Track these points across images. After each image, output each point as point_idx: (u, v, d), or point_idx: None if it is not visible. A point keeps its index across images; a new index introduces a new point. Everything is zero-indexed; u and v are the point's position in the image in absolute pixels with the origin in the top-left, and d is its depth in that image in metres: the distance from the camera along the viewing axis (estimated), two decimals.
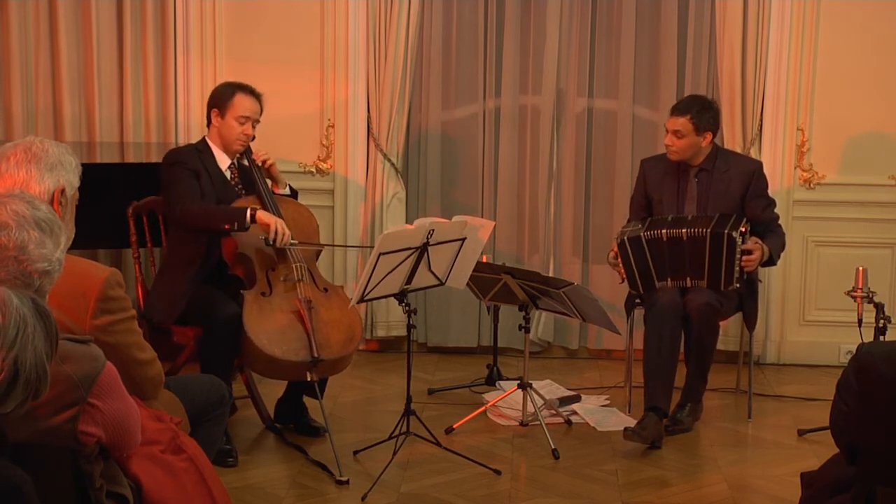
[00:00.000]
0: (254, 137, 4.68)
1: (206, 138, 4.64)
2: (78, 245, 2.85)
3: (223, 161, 4.63)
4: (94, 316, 2.78)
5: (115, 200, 4.68)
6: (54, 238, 2.42)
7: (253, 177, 4.61)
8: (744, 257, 4.69)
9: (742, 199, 4.87)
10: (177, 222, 4.52)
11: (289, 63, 5.79)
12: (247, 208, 4.39)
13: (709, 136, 4.86)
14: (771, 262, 4.91)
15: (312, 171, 5.87)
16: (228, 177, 4.64)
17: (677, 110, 4.85)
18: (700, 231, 4.70)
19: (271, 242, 4.37)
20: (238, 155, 4.65)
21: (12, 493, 2.14)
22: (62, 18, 5.71)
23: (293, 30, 5.77)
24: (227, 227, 4.38)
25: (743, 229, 4.69)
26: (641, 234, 4.78)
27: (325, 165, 5.87)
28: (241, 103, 4.56)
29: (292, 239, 4.43)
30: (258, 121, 4.62)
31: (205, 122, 4.67)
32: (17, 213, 2.38)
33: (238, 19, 5.78)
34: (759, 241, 4.78)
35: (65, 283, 2.51)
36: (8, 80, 5.76)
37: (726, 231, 4.65)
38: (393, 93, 5.70)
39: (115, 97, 5.80)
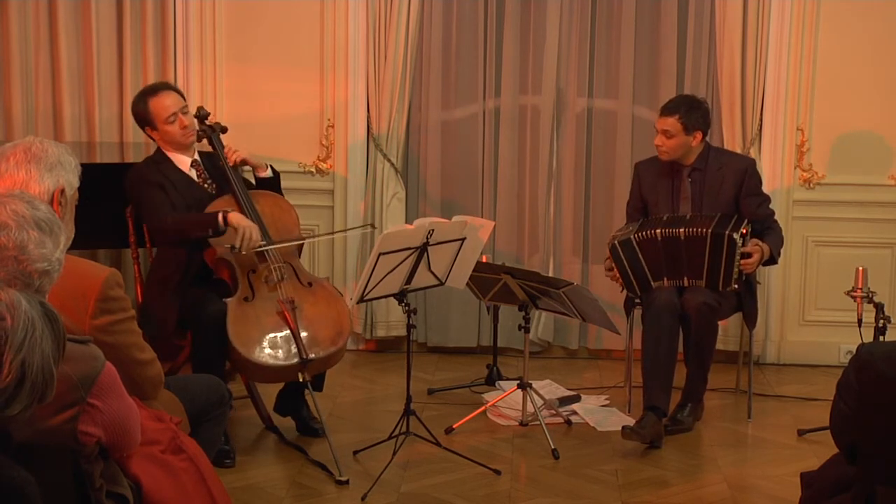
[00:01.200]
0: (225, 129, 4.65)
1: (160, 148, 4.61)
2: (78, 245, 2.85)
3: (183, 163, 4.59)
4: (93, 316, 2.78)
5: (115, 200, 4.67)
6: (54, 238, 2.41)
7: (226, 173, 4.57)
8: (742, 260, 4.69)
9: (736, 198, 4.87)
10: (158, 241, 4.52)
11: (289, 63, 5.79)
12: (218, 213, 4.31)
13: (699, 135, 4.86)
14: (772, 261, 4.91)
15: (312, 171, 5.87)
16: (195, 176, 4.60)
17: (666, 110, 4.86)
18: (700, 231, 4.70)
19: (237, 248, 4.29)
20: (209, 145, 4.62)
21: (16, 493, 2.13)
22: (62, 18, 5.71)
23: (293, 30, 5.77)
24: (201, 235, 4.34)
25: (744, 231, 4.69)
26: (632, 236, 4.78)
27: (324, 165, 5.87)
28: (160, 105, 4.50)
29: (261, 241, 4.35)
30: (186, 106, 4.55)
31: (153, 137, 4.61)
32: (17, 213, 2.37)
33: (238, 20, 5.78)
34: (760, 243, 4.77)
35: (64, 283, 2.51)
36: (8, 81, 5.77)
37: (727, 232, 4.65)
38: (393, 93, 5.71)
39: (115, 97, 5.80)
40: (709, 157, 4.92)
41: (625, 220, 5.14)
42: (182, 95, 4.59)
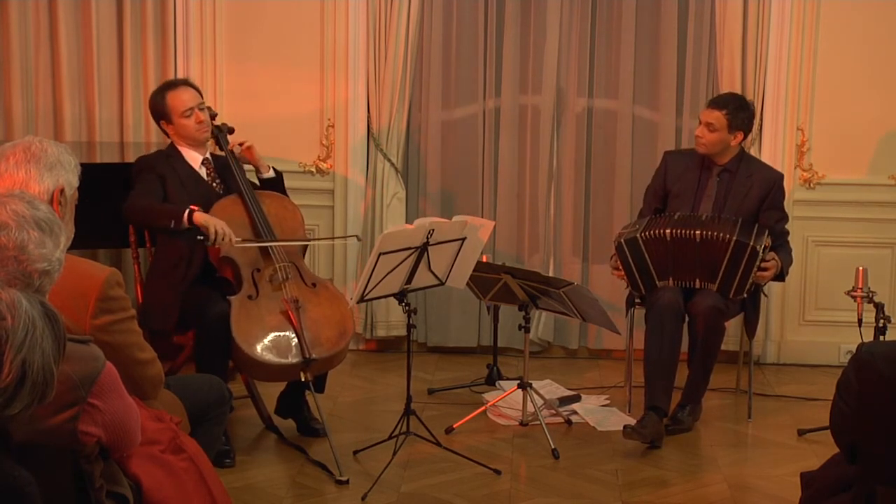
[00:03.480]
0: (232, 129, 4.68)
1: (173, 142, 4.63)
2: (78, 245, 2.85)
3: (194, 160, 4.61)
4: (94, 316, 2.78)
5: (115, 200, 4.67)
6: (54, 238, 2.41)
7: (232, 173, 4.59)
8: (758, 273, 4.69)
9: (758, 207, 4.86)
10: (126, 219, 4.51)
11: (289, 63, 5.79)
12: (185, 209, 4.30)
13: (739, 135, 4.86)
14: (780, 277, 4.91)
15: (312, 171, 5.87)
16: (204, 174, 4.62)
17: (714, 103, 4.86)
18: (721, 236, 4.67)
19: (210, 243, 4.29)
20: (216, 145, 4.63)
21: (16, 493, 2.13)
22: (62, 18, 5.71)
23: (293, 30, 5.77)
24: (164, 225, 4.32)
25: (766, 244, 4.69)
26: (638, 235, 4.77)
27: (325, 165, 5.87)
28: (177, 99, 4.53)
29: (236, 238, 4.33)
30: (203, 103, 4.60)
31: (167, 131, 4.62)
32: (17, 213, 2.37)
33: (238, 19, 5.78)
34: (776, 258, 4.77)
35: (65, 282, 2.51)
36: (8, 81, 5.76)
37: (752, 243, 4.63)
38: (393, 93, 5.71)
39: (115, 97, 5.80)
40: (741, 161, 4.92)
41: (625, 219, 5.13)
42: (199, 92, 4.63)
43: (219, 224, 4.29)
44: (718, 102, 4.86)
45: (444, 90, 5.90)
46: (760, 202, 4.87)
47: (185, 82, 4.63)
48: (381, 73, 5.72)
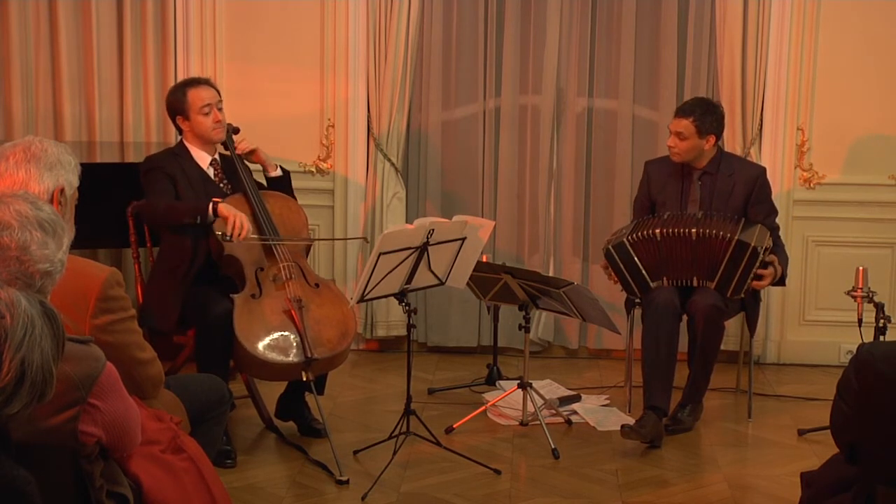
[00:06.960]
0: (237, 130, 4.69)
1: (184, 141, 4.63)
2: (78, 245, 2.84)
3: (203, 160, 4.61)
4: (94, 315, 2.78)
5: (115, 200, 4.68)
6: (57, 239, 2.41)
7: (238, 173, 4.59)
8: (755, 282, 4.69)
9: (745, 205, 4.86)
10: (147, 221, 4.55)
11: (289, 63, 5.79)
12: (209, 202, 4.33)
13: (712, 139, 4.85)
14: (780, 282, 4.90)
15: (312, 171, 5.88)
16: (212, 174, 4.62)
17: (681, 112, 4.84)
18: (721, 234, 4.66)
19: (228, 237, 4.30)
20: (222, 146, 4.64)
21: (16, 493, 2.13)
22: (62, 18, 5.71)
23: (293, 30, 5.78)
24: (190, 221, 4.34)
25: (768, 245, 4.68)
26: (624, 239, 4.77)
27: (325, 165, 5.87)
28: (197, 96, 4.54)
29: (252, 234, 4.35)
30: (221, 101, 4.61)
31: (182, 128, 4.62)
32: (21, 214, 2.37)
33: (238, 19, 5.78)
34: (775, 264, 4.76)
35: (65, 282, 2.51)
36: (8, 81, 5.77)
37: (752, 243, 4.62)
38: (393, 93, 5.71)
39: (115, 97, 5.80)
40: (721, 162, 4.91)
41: (625, 219, 5.13)
42: (219, 92, 4.63)
43: (240, 216, 4.31)
44: (685, 110, 4.84)
45: (444, 90, 5.90)
46: (746, 199, 4.87)
47: (207, 81, 4.64)
48: (381, 73, 5.72)
